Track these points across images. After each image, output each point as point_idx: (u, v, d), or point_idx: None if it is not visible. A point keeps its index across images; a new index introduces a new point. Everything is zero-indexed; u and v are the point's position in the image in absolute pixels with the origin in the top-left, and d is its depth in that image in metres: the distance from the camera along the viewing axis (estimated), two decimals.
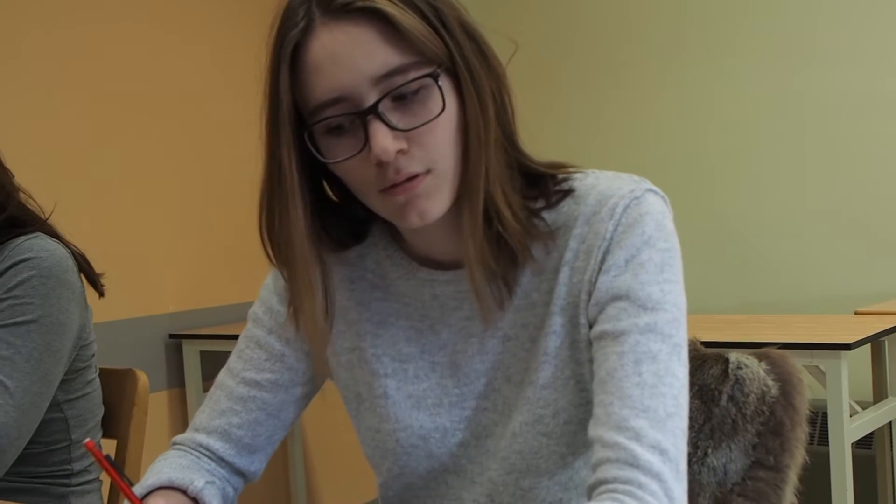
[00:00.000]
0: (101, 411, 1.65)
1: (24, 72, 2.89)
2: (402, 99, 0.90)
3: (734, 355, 1.16)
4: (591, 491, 0.87)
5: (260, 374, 1.10)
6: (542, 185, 0.98)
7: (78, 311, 1.53)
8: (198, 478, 1.04)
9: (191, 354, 3.29)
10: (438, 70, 0.90)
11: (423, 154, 0.91)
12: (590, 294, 0.95)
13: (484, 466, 1.03)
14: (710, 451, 1.14)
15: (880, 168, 3.26)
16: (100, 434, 1.65)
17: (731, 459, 1.13)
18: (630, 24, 3.68)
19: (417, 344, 1.05)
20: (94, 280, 1.61)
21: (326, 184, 1.02)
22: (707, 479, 1.13)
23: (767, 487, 1.11)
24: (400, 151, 0.90)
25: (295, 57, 0.91)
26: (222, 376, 1.13)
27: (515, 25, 3.70)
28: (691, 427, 1.11)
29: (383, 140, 0.89)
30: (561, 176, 0.99)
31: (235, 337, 1.15)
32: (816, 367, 2.35)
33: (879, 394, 2.75)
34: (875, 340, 2.54)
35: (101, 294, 1.63)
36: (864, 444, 2.79)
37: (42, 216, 1.58)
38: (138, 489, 1.02)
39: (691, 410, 1.06)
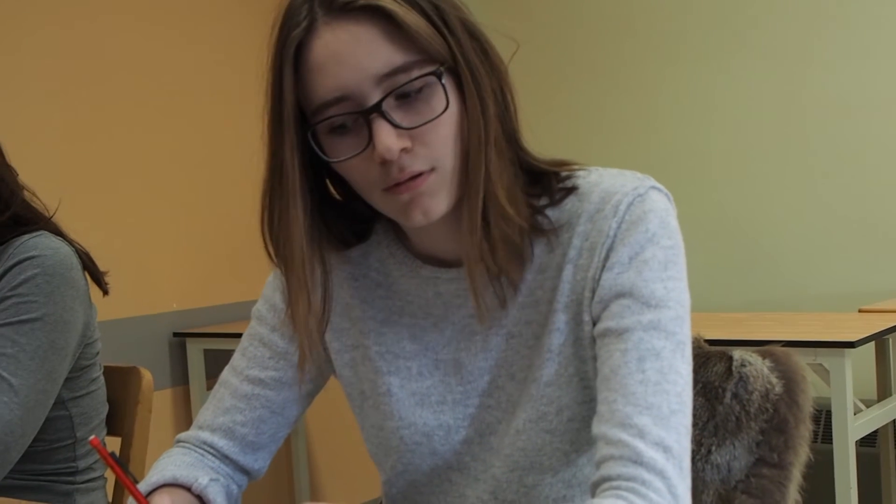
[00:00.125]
0: (105, 409, 1.65)
1: (28, 69, 2.89)
2: (405, 97, 0.90)
3: (738, 353, 1.16)
4: (594, 488, 0.87)
5: (264, 371, 1.10)
6: (546, 182, 0.99)
7: (82, 309, 1.53)
8: (202, 475, 1.04)
9: (194, 352, 3.29)
10: (441, 68, 0.90)
11: (427, 152, 0.91)
12: (593, 291, 0.95)
13: (488, 464, 1.03)
14: (713, 448, 1.14)
15: (885, 166, 3.26)
16: (104, 432, 1.66)
17: (734, 457, 1.13)
18: (633, 22, 3.68)
19: (421, 341, 1.05)
20: (98, 278, 1.61)
21: (329, 183, 1.02)
22: (711, 476, 1.13)
23: (771, 485, 1.11)
24: (404, 150, 0.90)
25: (297, 56, 0.91)
26: (226, 374, 1.13)
27: (518, 23, 3.70)
28: (695, 424, 1.11)
29: (387, 138, 0.89)
30: (564, 173, 0.99)
31: (239, 335, 1.16)
32: (820, 364, 2.35)
33: (883, 392, 2.75)
34: (879, 338, 2.54)
35: (105, 292, 1.63)
36: (868, 442, 2.79)
37: (46, 214, 1.58)
38: (143, 486, 1.02)
39: (695, 408, 1.06)
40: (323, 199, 1.00)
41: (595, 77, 3.76)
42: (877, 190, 3.27)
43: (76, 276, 1.52)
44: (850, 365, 2.30)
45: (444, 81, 0.90)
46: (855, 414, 2.36)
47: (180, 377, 3.32)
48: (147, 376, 1.69)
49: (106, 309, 1.74)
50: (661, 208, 0.95)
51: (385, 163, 0.90)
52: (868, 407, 2.56)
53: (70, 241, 1.56)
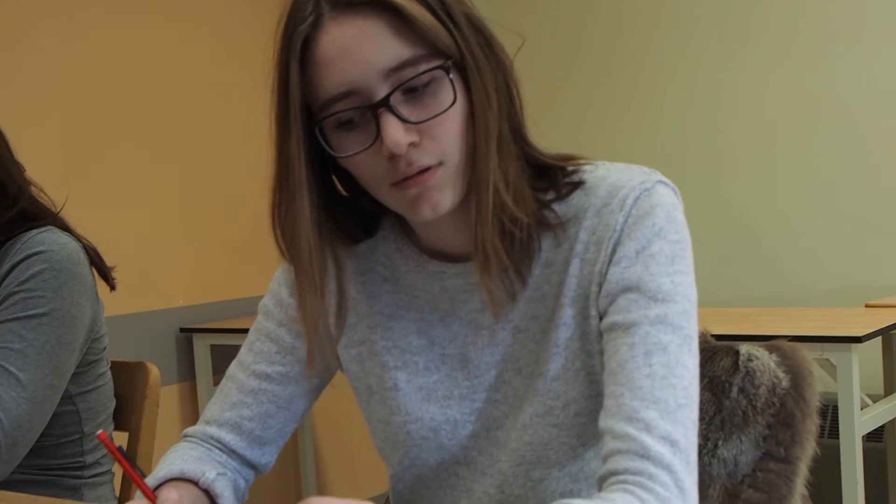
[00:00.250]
0: (112, 404, 1.66)
1: (35, 65, 2.90)
2: (412, 91, 0.90)
3: (745, 347, 1.16)
4: (601, 482, 0.87)
5: (270, 366, 1.10)
6: (552, 177, 0.99)
7: (89, 305, 1.54)
8: (209, 469, 1.05)
9: (201, 348, 3.30)
10: (448, 62, 0.90)
11: (435, 146, 0.91)
12: (600, 285, 0.95)
13: (494, 458, 1.04)
14: (720, 442, 1.14)
15: (892, 161, 3.25)
16: (111, 427, 1.66)
17: (741, 451, 1.13)
18: (639, 16, 3.67)
19: (427, 336, 1.05)
20: (105, 273, 1.62)
21: (335, 179, 1.02)
22: (717, 470, 1.13)
23: (778, 479, 1.11)
24: (412, 144, 0.90)
25: (304, 51, 0.91)
26: (233, 369, 1.14)
27: (523, 18, 3.69)
28: (702, 419, 1.11)
29: (395, 133, 0.89)
30: (571, 168, 0.99)
31: (245, 330, 1.16)
32: (827, 359, 2.35)
33: (890, 387, 2.75)
34: (886, 333, 2.53)
35: (113, 287, 1.63)
36: (874, 437, 2.79)
37: (53, 210, 1.58)
38: (150, 481, 1.02)
39: (702, 402, 1.06)
40: (330, 195, 1.00)
41: (601, 72, 3.76)
42: (884, 185, 3.26)
43: (83, 271, 1.52)
44: (857, 360, 2.30)
45: (451, 75, 0.90)
46: (862, 409, 2.36)
47: (187, 373, 3.33)
48: (154, 371, 1.69)
49: (113, 304, 1.74)
50: (667, 203, 0.95)
51: (393, 157, 0.90)
52: (875, 402, 2.56)
53: (77, 237, 1.57)
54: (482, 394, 1.03)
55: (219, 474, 1.05)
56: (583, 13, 3.79)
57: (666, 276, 0.92)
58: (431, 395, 1.05)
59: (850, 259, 3.31)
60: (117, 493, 1.68)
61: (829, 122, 3.33)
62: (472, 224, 0.94)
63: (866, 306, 2.81)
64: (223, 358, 3.22)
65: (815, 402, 1.13)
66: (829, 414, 2.67)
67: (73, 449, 1.58)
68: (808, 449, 1.12)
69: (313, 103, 0.93)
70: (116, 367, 1.69)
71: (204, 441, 1.12)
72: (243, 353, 1.13)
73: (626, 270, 0.93)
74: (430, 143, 0.91)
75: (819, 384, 1.16)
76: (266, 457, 1.13)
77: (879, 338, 2.60)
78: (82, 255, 1.53)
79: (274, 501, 3.47)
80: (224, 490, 1.04)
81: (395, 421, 1.06)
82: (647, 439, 0.85)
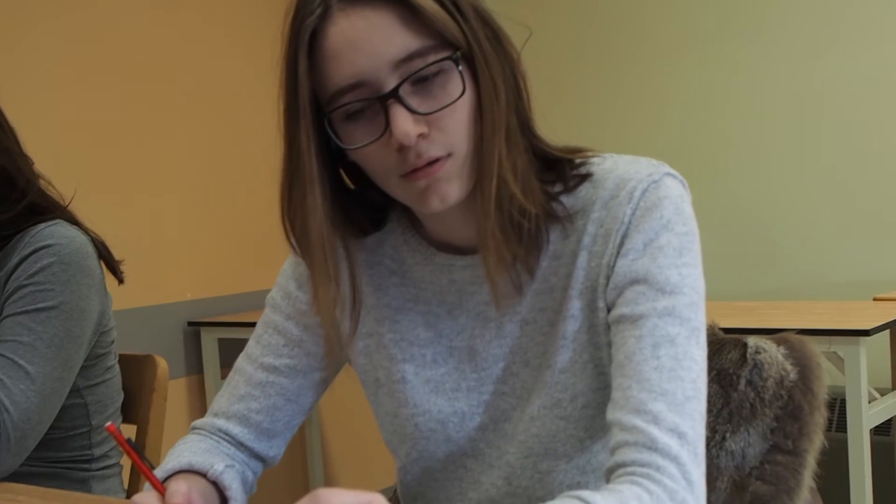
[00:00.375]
0: (120, 397, 1.66)
1: (43, 58, 2.90)
2: (421, 83, 0.90)
3: (752, 340, 1.16)
4: (609, 474, 0.87)
5: (278, 359, 1.11)
6: (560, 169, 0.98)
7: (98, 298, 1.54)
8: (217, 462, 1.05)
9: (209, 341, 3.31)
10: (457, 53, 0.90)
11: (444, 138, 0.91)
12: (608, 278, 0.95)
13: (502, 450, 1.04)
14: (728, 435, 1.14)
15: None
16: (120, 419, 1.67)
17: (749, 444, 1.13)
18: (646, 8, 3.66)
19: (435, 329, 1.05)
20: (113, 267, 1.62)
21: (343, 171, 1.02)
22: (725, 463, 1.13)
23: (786, 471, 1.11)
24: (421, 136, 0.90)
25: (312, 43, 0.91)
26: (241, 361, 1.14)
27: (531, 10, 3.69)
28: (709, 411, 1.11)
29: (404, 124, 0.89)
30: (578, 160, 0.99)
31: (253, 324, 1.16)
32: (835, 353, 2.34)
33: None
34: (894, 327, 2.52)
35: (121, 281, 1.64)
36: (882, 431, 2.78)
37: (62, 203, 1.59)
38: (159, 473, 1.02)
39: (709, 395, 1.06)
40: (338, 187, 1.00)
41: (608, 65, 3.75)
42: (892, 178, 3.25)
43: (92, 264, 1.53)
44: (865, 353, 2.30)
45: (460, 67, 0.90)
46: (869, 402, 2.35)
47: (195, 366, 3.34)
48: (162, 364, 1.70)
49: (121, 298, 1.75)
50: (675, 195, 0.95)
51: (402, 149, 0.90)
52: (882, 395, 2.55)
53: (86, 230, 1.57)
54: (490, 386, 1.03)
55: (227, 466, 1.05)
56: (590, 6, 3.78)
57: (674, 269, 0.92)
58: (439, 388, 1.05)
59: (858, 252, 3.30)
60: (125, 486, 1.69)
61: (837, 114, 3.32)
62: (479, 215, 0.94)
63: (874, 300, 2.81)
64: (231, 351, 3.22)
65: (822, 395, 1.13)
66: (837, 407, 2.66)
67: (82, 442, 1.59)
68: (816, 441, 1.12)
69: (322, 95, 0.93)
70: (125, 360, 1.69)
71: (212, 433, 1.12)
72: (251, 346, 1.14)
73: (634, 263, 0.93)
74: (439, 134, 0.91)
75: (827, 377, 1.16)
76: (274, 449, 1.14)
77: (887, 331, 2.59)
78: (91, 249, 1.54)
79: (282, 494, 3.48)
80: (232, 482, 1.05)
81: (402, 413, 1.06)
82: (655, 431, 0.85)
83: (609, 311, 0.95)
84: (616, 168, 0.98)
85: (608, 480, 0.87)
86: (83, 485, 1.59)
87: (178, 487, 0.94)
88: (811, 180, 3.38)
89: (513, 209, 0.93)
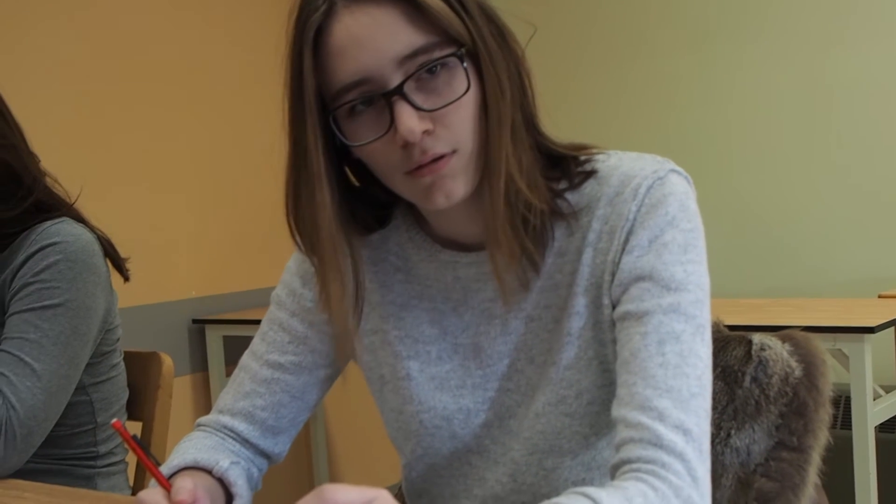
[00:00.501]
0: (125, 394, 1.66)
1: (50, 57, 2.91)
2: (426, 79, 0.90)
3: (757, 337, 1.16)
4: (614, 471, 0.87)
5: (283, 356, 1.11)
6: (565, 166, 0.98)
7: (104, 296, 1.54)
8: (223, 458, 1.05)
9: (213, 339, 3.31)
10: (462, 50, 0.90)
11: (449, 134, 0.91)
12: (613, 274, 0.95)
13: (507, 447, 1.04)
14: (733, 432, 1.13)
15: None
16: (125, 417, 1.67)
17: (754, 440, 1.13)
18: (652, 6, 3.66)
19: (440, 326, 1.05)
20: (119, 265, 1.62)
21: (347, 169, 1.02)
22: (730, 459, 1.13)
23: (791, 468, 1.11)
24: (426, 132, 0.90)
25: (317, 41, 0.91)
26: (246, 358, 1.14)
27: (535, 7, 3.68)
28: (714, 408, 1.11)
29: (409, 120, 0.89)
30: (583, 157, 0.99)
31: (258, 322, 1.16)
32: (840, 350, 2.34)
33: None
34: None
35: (126, 279, 1.64)
36: (887, 428, 2.78)
37: (68, 201, 1.59)
38: (164, 469, 1.03)
39: (714, 392, 1.06)
40: (343, 185, 1.00)
41: (613, 61, 3.75)
42: None
43: (98, 262, 1.53)
44: (870, 350, 2.29)
45: (464, 63, 0.90)
46: (874, 400, 2.35)
47: (199, 363, 3.34)
48: (168, 361, 1.70)
49: (126, 296, 1.75)
50: (680, 191, 0.95)
51: (407, 145, 0.90)
52: (887, 393, 2.55)
53: (92, 228, 1.57)
54: (495, 383, 1.03)
55: (232, 463, 1.06)
56: (594, 2, 3.77)
57: (679, 265, 0.92)
58: (444, 385, 1.05)
59: (863, 250, 3.30)
60: (131, 483, 1.69)
61: (843, 111, 3.31)
62: (486, 212, 0.94)
63: (879, 297, 2.80)
64: (235, 349, 3.23)
65: (827, 391, 1.13)
66: (842, 405, 2.66)
67: (87, 439, 1.59)
68: (821, 438, 1.12)
69: (326, 92, 0.93)
70: (130, 357, 1.70)
71: (217, 430, 1.12)
72: (256, 343, 1.14)
73: (639, 259, 0.93)
74: (444, 131, 0.91)
75: (832, 374, 1.16)
76: (279, 446, 1.14)
77: (892, 328, 2.59)
78: (97, 247, 1.54)
79: (287, 491, 3.48)
80: (238, 479, 1.05)
81: (407, 410, 1.06)
82: (660, 428, 0.85)
83: (614, 307, 0.95)
84: (621, 165, 0.98)
85: (613, 477, 0.87)
86: (88, 481, 1.59)
87: (184, 484, 0.94)
88: (816, 177, 3.37)
89: (520, 204, 0.93)
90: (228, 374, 3.18)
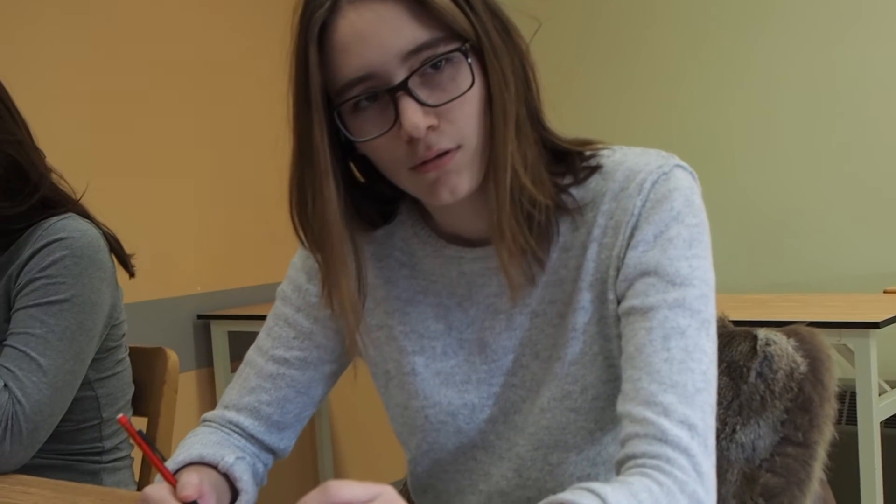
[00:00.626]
0: (131, 390, 1.67)
1: (55, 53, 2.91)
2: (430, 75, 0.90)
3: (763, 332, 1.15)
4: (619, 466, 0.87)
5: (289, 351, 1.11)
6: (570, 161, 0.98)
7: (109, 291, 1.54)
8: (228, 454, 1.05)
9: (219, 334, 3.32)
10: (466, 45, 0.90)
11: (454, 130, 0.91)
12: (618, 270, 0.95)
13: (512, 442, 1.04)
14: (738, 427, 1.13)
15: None
16: (130, 412, 1.67)
17: (759, 436, 1.13)
18: (656, 0, 3.65)
19: (445, 321, 1.05)
20: (124, 261, 1.62)
21: (352, 164, 1.02)
22: (735, 455, 1.13)
23: (796, 463, 1.10)
24: (430, 127, 0.90)
25: (322, 36, 0.91)
26: (251, 354, 1.14)
27: (540, 2, 3.67)
28: (720, 403, 1.11)
29: (414, 116, 0.89)
30: (588, 152, 0.99)
31: (263, 317, 1.16)
32: (845, 345, 2.34)
33: None
34: None
35: (132, 274, 1.64)
36: (892, 423, 2.77)
37: (74, 197, 1.59)
38: (170, 465, 1.03)
39: (720, 387, 1.06)
40: (348, 180, 1.00)
41: (618, 56, 3.74)
42: None
43: (104, 258, 1.53)
44: (875, 346, 2.29)
45: (469, 58, 0.90)
46: (879, 395, 2.35)
47: (205, 359, 3.35)
48: (173, 357, 1.70)
49: (132, 291, 1.75)
50: (685, 186, 0.95)
51: (412, 141, 0.90)
52: (893, 388, 2.55)
53: (97, 224, 1.58)
54: (500, 378, 1.03)
55: (238, 458, 1.06)
56: None
57: (684, 260, 0.92)
58: (449, 380, 1.05)
59: (869, 245, 3.29)
60: (136, 478, 1.70)
61: (847, 106, 3.31)
62: (491, 207, 0.94)
63: (884, 292, 2.80)
64: (241, 344, 3.23)
65: (832, 387, 1.12)
66: (847, 400, 2.66)
67: (92, 434, 1.60)
68: (826, 433, 1.12)
69: (331, 88, 0.93)
70: (135, 353, 1.70)
71: (223, 426, 1.12)
72: (262, 339, 1.14)
73: (644, 254, 0.93)
74: (449, 126, 0.91)
75: (837, 369, 1.15)
76: (284, 441, 1.14)
77: None
78: (102, 242, 1.54)
79: (292, 486, 3.49)
80: (243, 474, 1.05)
81: (413, 405, 1.06)
82: (666, 423, 0.85)
83: (619, 302, 0.95)
84: (626, 160, 0.98)
85: (618, 472, 0.87)
86: (94, 477, 1.60)
87: (190, 479, 0.95)
88: (821, 173, 3.37)
89: (524, 199, 0.93)
90: (234, 369, 3.19)
